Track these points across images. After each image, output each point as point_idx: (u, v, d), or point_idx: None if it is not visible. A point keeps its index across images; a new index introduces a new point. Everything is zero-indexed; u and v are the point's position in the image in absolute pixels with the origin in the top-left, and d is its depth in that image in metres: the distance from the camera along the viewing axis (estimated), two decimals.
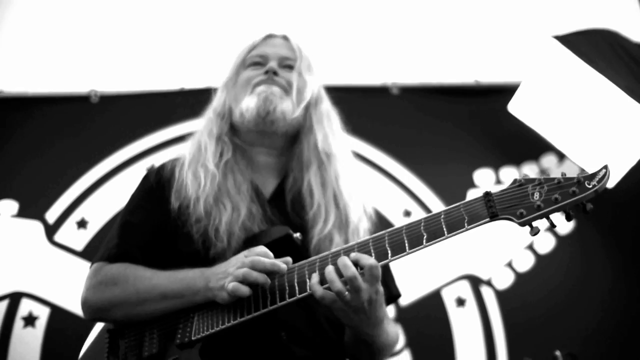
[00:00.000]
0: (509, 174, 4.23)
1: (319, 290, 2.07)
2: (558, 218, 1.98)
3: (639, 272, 4.15)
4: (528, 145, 4.19)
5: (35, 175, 4.08)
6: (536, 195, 1.96)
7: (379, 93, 4.31)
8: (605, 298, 4.10)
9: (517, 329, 4.03)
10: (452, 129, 4.31)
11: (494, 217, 1.98)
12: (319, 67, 2.76)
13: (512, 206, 1.97)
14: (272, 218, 2.50)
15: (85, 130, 4.19)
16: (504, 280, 4.10)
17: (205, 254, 2.40)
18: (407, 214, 4.17)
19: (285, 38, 2.74)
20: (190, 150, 2.64)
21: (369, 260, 2.05)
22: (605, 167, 1.93)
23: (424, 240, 2.03)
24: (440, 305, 4.04)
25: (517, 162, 4.27)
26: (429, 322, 4.02)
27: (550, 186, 1.95)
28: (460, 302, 4.07)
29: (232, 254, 2.35)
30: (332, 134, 2.68)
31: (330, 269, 2.06)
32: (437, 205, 4.16)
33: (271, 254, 2.19)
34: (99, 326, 2.48)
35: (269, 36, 2.75)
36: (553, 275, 4.10)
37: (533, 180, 1.99)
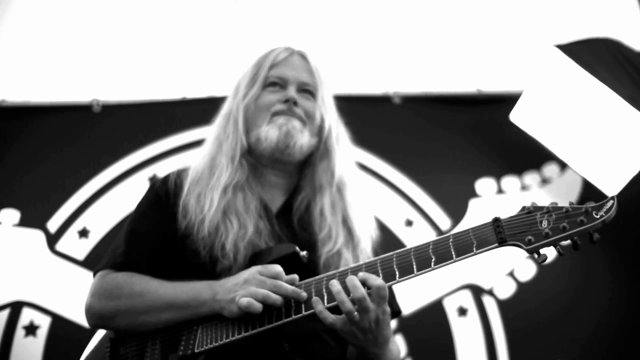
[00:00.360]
0: (511, 184, 4.24)
1: (328, 317, 2.07)
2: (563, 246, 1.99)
3: (639, 281, 4.14)
4: (530, 154, 4.19)
5: (37, 184, 4.09)
6: (544, 223, 1.98)
7: (381, 102, 4.31)
8: (606, 307, 4.09)
9: (519, 339, 4.02)
10: (454, 138, 4.31)
11: (502, 242, 2.01)
12: (333, 85, 2.75)
13: (521, 233, 2.00)
14: (280, 234, 2.49)
15: (87, 139, 4.20)
16: (506, 289, 4.10)
17: (212, 269, 2.38)
18: (409, 223, 4.17)
19: (303, 57, 2.69)
20: (202, 165, 2.61)
21: (376, 280, 2.05)
22: (613, 198, 1.96)
23: (432, 263, 2.05)
24: (442, 315, 4.04)
25: (519, 171, 4.27)
26: (430, 331, 4.01)
27: (559, 215, 1.97)
28: (462, 311, 4.07)
29: (237, 269, 2.34)
30: (346, 159, 2.69)
31: (339, 289, 2.05)
32: (438, 214, 4.16)
33: (284, 275, 2.18)
34: (99, 334, 2.47)
35: (290, 54, 2.69)
36: (554, 285, 4.09)
37: (542, 208, 2.01)
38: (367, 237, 2.60)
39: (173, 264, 2.45)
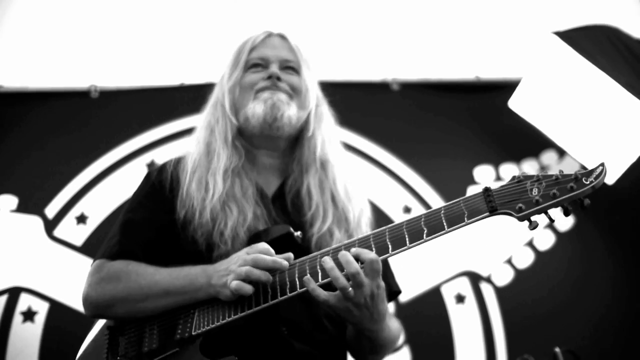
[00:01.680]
0: (509, 171, 4.23)
1: (322, 294, 2.07)
2: (556, 214, 2.00)
3: (638, 269, 4.14)
4: (528, 141, 4.19)
5: (34, 170, 4.08)
6: (535, 191, 1.99)
7: (379, 89, 4.30)
8: (605, 294, 4.10)
9: (516, 326, 4.04)
10: (452, 125, 4.31)
11: (493, 211, 2.01)
12: (316, 65, 2.75)
13: (511, 201, 2.01)
14: (276, 218, 2.52)
15: (85, 125, 4.18)
16: (504, 276, 4.11)
17: (208, 256, 2.40)
18: (407, 210, 4.18)
19: (283, 37, 2.72)
20: (197, 152, 2.62)
21: (369, 254, 2.06)
22: (602, 164, 1.96)
23: (424, 235, 2.05)
24: (440, 302, 4.05)
25: (517, 158, 4.27)
26: (428, 318, 4.02)
27: (549, 182, 1.98)
28: (460, 298, 4.08)
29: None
30: (330, 137, 2.70)
31: (332, 265, 2.06)
32: (437, 201, 4.16)
33: (272, 251, 2.20)
34: (98, 325, 2.48)
35: (267, 36, 2.72)
36: (553, 272, 4.11)
37: (531, 176, 2.02)
38: (360, 215, 2.61)
39: (170, 252, 2.47)
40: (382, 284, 2.12)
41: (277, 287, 2.17)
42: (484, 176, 4.22)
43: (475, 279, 4.09)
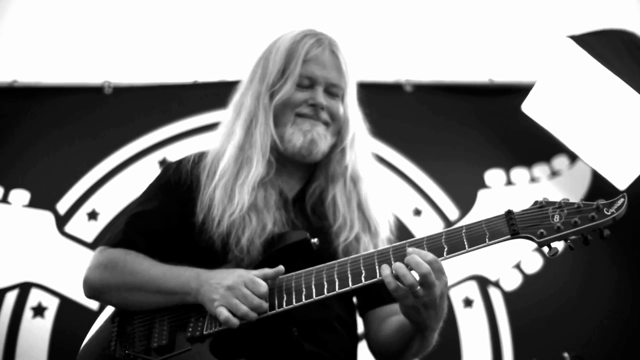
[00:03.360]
0: (520, 175, 4.23)
1: (392, 282, 2.07)
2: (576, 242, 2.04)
3: None
4: (540, 146, 4.18)
5: (47, 165, 4.11)
6: (556, 218, 2.03)
7: (393, 90, 4.29)
8: (612, 300, 4.10)
9: (524, 331, 4.04)
10: (464, 128, 4.30)
11: (514, 234, 2.06)
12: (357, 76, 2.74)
13: (533, 226, 2.05)
14: (294, 220, 2.54)
15: (98, 121, 4.21)
16: (512, 281, 4.11)
17: (223, 256, 2.43)
18: (418, 212, 4.17)
19: (334, 52, 2.66)
20: (228, 156, 2.58)
21: (427, 255, 2.06)
22: (624, 195, 2.02)
23: (445, 253, 2.09)
24: (448, 305, 4.00)
25: (528, 163, 4.26)
26: None
27: (570, 210, 2.03)
28: (468, 302, 4.08)
29: (250, 261, 2.39)
30: (363, 154, 2.71)
31: (400, 264, 2.06)
32: (447, 204, 4.17)
33: (264, 287, 2.20)
34: (103, 315, 2.49)
35: (320, 48, 2.64)
36: (560, 278, 4.10)
37: (554, 203, 2.07)
38: (385, 230, 2.63)
39: (182, 246, 2.49)
40: (447, 279, 2.13)
41: (293, 292, 2.20)
42: (495, 180, 4.22)
43: (483, 283, 4.09)
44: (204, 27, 4.27)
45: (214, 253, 2.43)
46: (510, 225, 2.06)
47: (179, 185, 2.55)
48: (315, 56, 2.63)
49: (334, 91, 2.62)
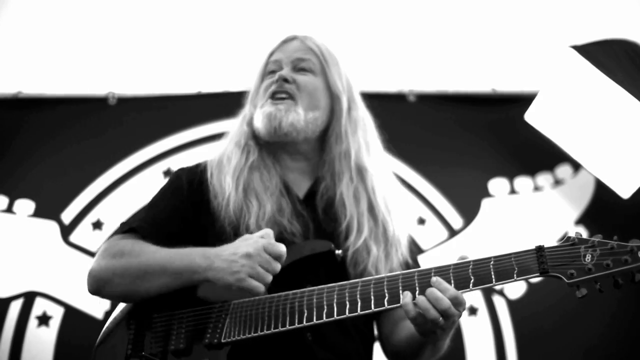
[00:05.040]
0: (524, 184, 4.23)
1: (411, 310, 2.07)
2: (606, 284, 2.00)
3: None
4: (543, 155, 4.18)
5: (51, 175, 4.12)
6: (588, 258, 1.98)
7: (396, 100, 4.30)
8: (615, 308, 4.06)
9: (528, 339, 4.02)
10: (468, 138, 4.30)
11: (544, 273, 2.02)
12: (350, 69, 2.72)
13: (563, 265, 2.00)
14: (304, 214, 2.50)
15: (103, 131, 4.21)
16: (516, 289, 4.09)
17: None
18: (422, 221, 4.18)
19: (303, 40, 2.67)
20: (216, 159, 2.62)
21: (449, 290, 2.05)
22: None
23: (471, 285, 2.07)
24: None
25: (532, 172, 4.25)
26: None
27: (603, 250, 1.97)
28: (472, 310, 4.07)
29: None
30: (367, 146, 2.66)
31: (423, 299, 2.05)
32: (451, 213, 4.18)
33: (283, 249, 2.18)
34: (117, 311, 2.45)
35: (286, 40, 2.70)
36: (564, 286, 4.07)
37: (586, 240, 2.01)
38: (399, 231, 2.57)
39: (194, 240, 2.42)
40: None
41: (314, 308, 2.18)
42: (499, 189, 4.22)
43: (488, 291, 4.08)
44: (208, 38, 4.28)
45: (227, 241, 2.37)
46: (540, 263, 2.01)
47: (193, 191, 2.55)
48: (280, 45, 2.69)
49: (303, 66, 2.61)
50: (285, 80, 2.57)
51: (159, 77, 4.29)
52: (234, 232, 2.41)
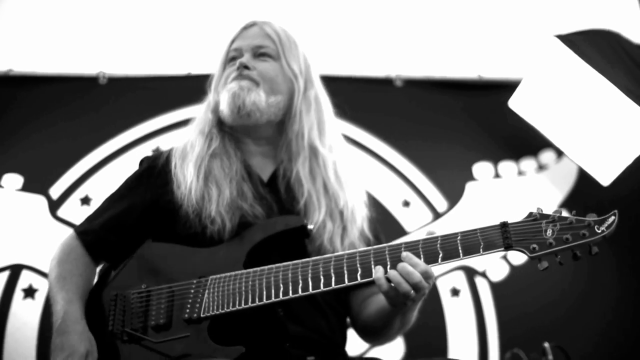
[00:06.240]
0: (508, 169, 4.29)
1: (384, 284, 2.14)
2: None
3: (632, 267, 4.19)
4: (527, 140, 4.24)
5: (41, 151, 4.13)
6: (549, 232, 2.08)
7: (383, 85, 4.35)
8: (597, 291, 4.13)
9: (509, 320, 4.08)
10: (453, 122, 4.36)
11: (508, 247, 2.12)
12: (307, 50, 2.76)
13: (526, 240, 2.10)
14: (266, 196, 2.55)
15: (93, 110, 4.24)
16: (499, 272, 4.15)
17: (202, 236, 2.45)
18: (406, 204, 4.22)
19: (261, 26, 2.73)
20: (180, 147, 2.67)
21: (420, 265, 2.13)
22: (614, 213, 2.08)
23: (439, 259, 2.15)
24: (435, 295, 4.08)
25: (516, 157, 4.32)
26: (423, 310, 4.02)
27: (563, 225, 2.08)
28: (455, 292, 4.12)
29: (228, 233, 2.43)
30: (320, 124, 2.70)
31: (395, 273, 2.12)
32: (436, 196, 4.22)
33: None
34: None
35: (246, 27, 2.75)
36: (547, 269, 4.12)
37: (547, 216, 2.11)
38: (354, 206, 2.63)
39: (164, 232, 2.52)
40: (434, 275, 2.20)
41: (290, 283, 2.23)
42: (483, 173, 4.28)
43: (470, 273, 4.14)
44: (198, 19, 4.33)
45: (194, 235, 2.46)
46: (505, 239, 2.10)
47: (155, 176, 2.62)
48: (240, 33, 2.75)
49: (263, 52, 2.67)
50: (246, 67, 2.62)
51: (149, 58, 4.32)
52: (199, 220, 2.47)
